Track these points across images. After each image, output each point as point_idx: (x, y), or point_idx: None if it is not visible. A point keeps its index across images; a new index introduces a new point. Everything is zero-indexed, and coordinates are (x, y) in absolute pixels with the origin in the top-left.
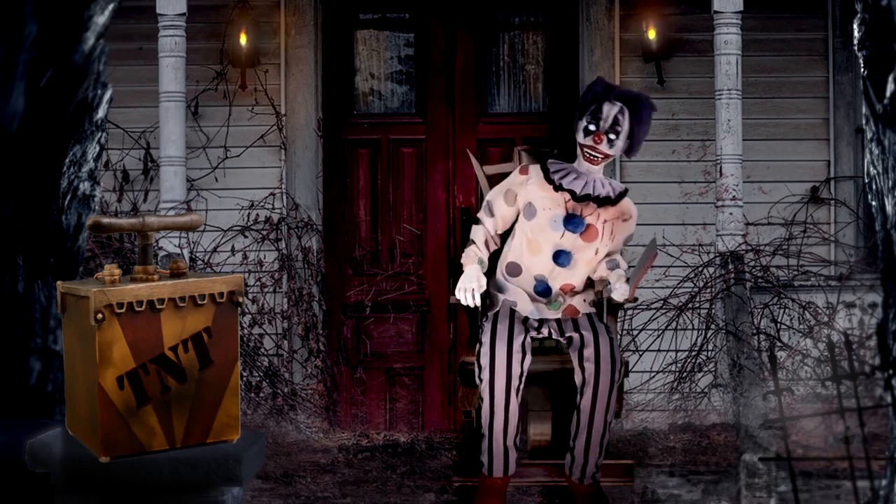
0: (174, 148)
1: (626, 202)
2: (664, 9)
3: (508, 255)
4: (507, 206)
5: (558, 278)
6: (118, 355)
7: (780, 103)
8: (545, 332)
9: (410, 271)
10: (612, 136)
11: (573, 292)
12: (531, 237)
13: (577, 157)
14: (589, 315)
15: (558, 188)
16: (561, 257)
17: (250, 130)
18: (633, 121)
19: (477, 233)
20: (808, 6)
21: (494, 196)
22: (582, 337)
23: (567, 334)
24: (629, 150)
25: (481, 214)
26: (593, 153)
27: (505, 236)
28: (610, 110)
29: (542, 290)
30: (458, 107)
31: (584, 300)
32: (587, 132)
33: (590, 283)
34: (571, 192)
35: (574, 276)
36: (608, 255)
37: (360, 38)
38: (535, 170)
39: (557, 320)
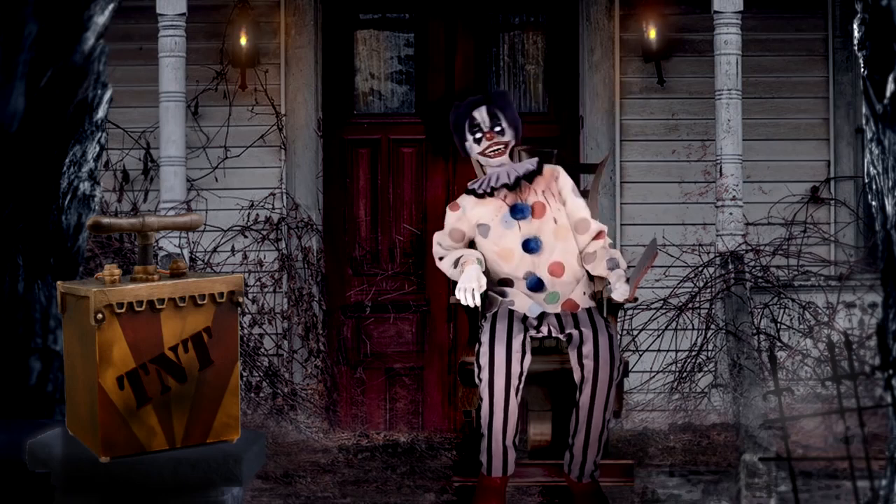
0: (174, 148)
1: (547, 166)
2: (664, 9)
3: (495, 276)
4: (455, 242)
5: (541, 264)
6: (118, 355)
7: (780, 103)
8: (545, 329)
9: (410, 271)
10: (498, 129)
11: (568, 274)
12: (498, 249)
13: (483, 167)
14: (589, 310)
15: (492, 192)
16: (530, 244)
17: (250, 130)
18: (502, 108)
19: (453, 253)
20: (808, 6)
21: (441, 237)
22: (581, 333)
23: (567, 331)
24: (515, 132)
25: (438, 252)
26: (494, 147)
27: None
28: (480, 113)
29: (535, 284)
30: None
31: (584, 293)
32: (478, 140)
33: (588, 276)
34: (505, 185)
35: (553, 253)
36: (588, 231)
37: (360, 38)
38: (462, 199)
39: (557, 316)
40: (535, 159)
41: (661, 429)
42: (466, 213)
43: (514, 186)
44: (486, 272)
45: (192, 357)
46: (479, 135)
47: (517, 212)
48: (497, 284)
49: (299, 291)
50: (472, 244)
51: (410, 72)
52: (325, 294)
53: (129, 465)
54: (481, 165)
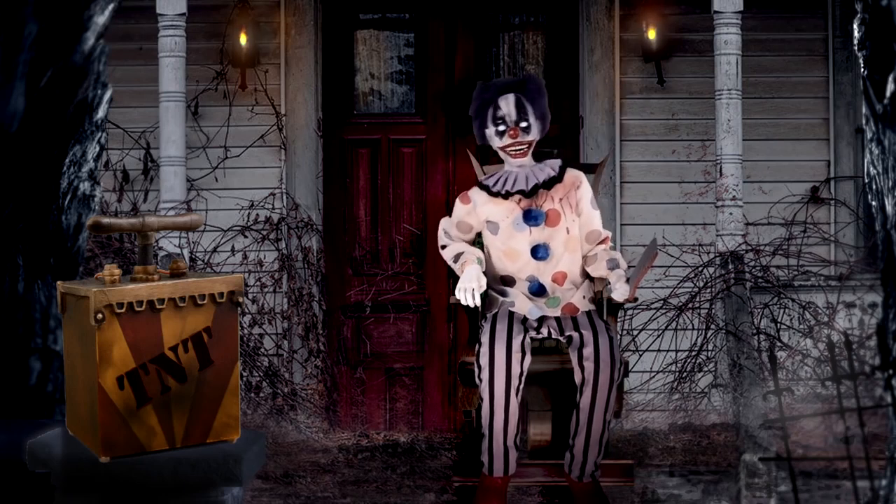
0: (174, 148)
1: (570, 172)
2: (664, 9)
3: (497, 272)
4: (463, 234)
5: (546, 271)
6: (118, 355)
7: (780, 103)
8: (545, 331)
9: (410, 271)
10: (524, 124)
11: (569, 282)
12: (505, 249)
13: (503, 161)
14: (589, 313)
15: (507, 195)
16: (539, 252)
17: (250, 130)
18: (532, 99)
19: (456, 246)
20: (808, 6)
21: (448, 225)
22: (581, 336)
23: (567, 333)
24: (542, 126)
25: (443, 240)
26: (516, 148)
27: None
28: (507, 104)
29: (537, 290)
30: (459, 107)
31: (584, 297)
32: (500, 134)
33: (587, 277)
34: (521, 192)
35: (560, 263)
36: (598, 241)
37: (360, 38)
38: (475, 193)
39: (557, 319)
40: (558, 163)
41: (661, 429)
42: (477, 208)
43: (531, 194)
44: (487, 269)
45: (192, 357)
46: (502, 128)
47: (530, 218)
48: (498, 282)
49: (299, 291)
50: (478, 236)
51: (410, 72)
52: (325, 294)
53: (129, 465)
54: (481, 164)
